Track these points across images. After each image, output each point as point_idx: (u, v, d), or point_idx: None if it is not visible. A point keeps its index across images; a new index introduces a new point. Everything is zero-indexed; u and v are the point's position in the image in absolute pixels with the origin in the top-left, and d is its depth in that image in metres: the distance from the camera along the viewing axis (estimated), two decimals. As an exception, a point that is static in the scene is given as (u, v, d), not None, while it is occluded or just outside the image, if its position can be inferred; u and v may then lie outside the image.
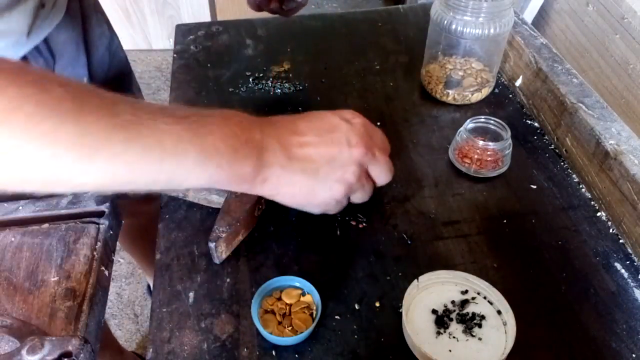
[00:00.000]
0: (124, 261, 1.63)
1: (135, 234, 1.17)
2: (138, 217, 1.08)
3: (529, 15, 1.77)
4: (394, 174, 0.58)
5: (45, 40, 0.72)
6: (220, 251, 0.56)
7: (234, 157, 0.46)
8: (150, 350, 0.50)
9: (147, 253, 1.23)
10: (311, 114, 0.55)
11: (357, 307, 0.54)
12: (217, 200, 0.61)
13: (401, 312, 0.52)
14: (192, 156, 0.44)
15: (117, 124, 0.40)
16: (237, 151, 0.46)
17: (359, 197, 0.57)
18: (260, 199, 0.60)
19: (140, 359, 1.35)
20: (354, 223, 0.62)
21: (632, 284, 0.56)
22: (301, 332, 0.50)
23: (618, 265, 0.58)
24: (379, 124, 0.76)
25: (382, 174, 0.57)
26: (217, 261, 0.57)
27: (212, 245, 0.55)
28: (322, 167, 0.51)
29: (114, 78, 0.89)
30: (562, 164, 0.70)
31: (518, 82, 0.80)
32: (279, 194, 0.51)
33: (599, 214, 0.63)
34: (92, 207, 0.60)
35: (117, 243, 0.64)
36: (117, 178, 0.41)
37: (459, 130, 0.68)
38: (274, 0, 0.76)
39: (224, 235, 0.56)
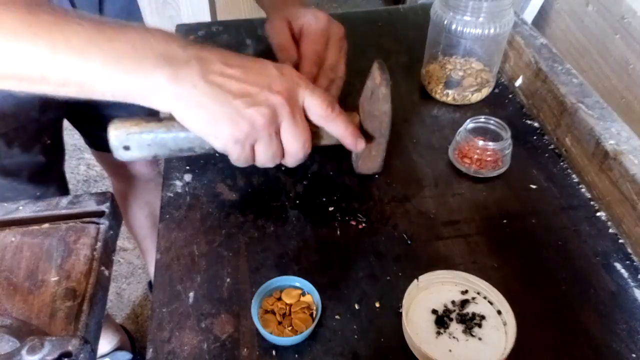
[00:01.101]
0: (123, 261, 1.63)
1: (120, 199, 1.18)
2: (121, 181, 1.09)
3: (529, 15, 1.77)
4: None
5: None
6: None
7: (142, 64, 0.46)
8: (150, 350, 0.50)
9: (135, 219, 1.23)
10: (251, 58, 0.53)
11: (357, 307, 0.54)
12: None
13: (401, 312, 0.52)
14: (99, 58, 0.45)
15: (32, 22, 0.43)
16: (147, 59, 0.46)
17: (262, 152, 0.53)
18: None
19: (125, 331, 1.36)
20: (354, 223, 0.62)
21: (632, 283, 0.56)
22: (301, 332, 0.50)
23: (618, 265, 0.58)
24: (379, 124, 0.76)
25: (293, 140, 0.53)
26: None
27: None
28: (234, 99, 0.49)
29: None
30: (562, 164, 0.70)
31: (518, 82, 0.80)
32: (185, 114, 0.50)
33: (598, 214, 0.63)
34: (92, 207, 0.60)
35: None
36: (30, 72, 0.45)
37: (458, 130, 0.68)
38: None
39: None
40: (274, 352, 0.50)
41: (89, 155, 1.88)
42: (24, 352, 0.43)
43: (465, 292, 0.54)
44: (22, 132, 0.79)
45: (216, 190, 0.66)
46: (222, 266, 0.58)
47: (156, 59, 0.46)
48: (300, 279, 0.54)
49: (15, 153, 0.80)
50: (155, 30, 0.48)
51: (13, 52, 0.44)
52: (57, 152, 0.91)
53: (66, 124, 0.95)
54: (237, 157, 0.53)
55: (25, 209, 0.60)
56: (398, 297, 0.53)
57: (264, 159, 0.54)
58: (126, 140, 0.54)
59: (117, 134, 0.54)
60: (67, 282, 0.53)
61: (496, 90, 0.82)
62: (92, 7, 0.81)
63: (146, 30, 0.48)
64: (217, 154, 0.61)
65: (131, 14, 0.92)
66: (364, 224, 0.62)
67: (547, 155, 0.71)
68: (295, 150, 0.54)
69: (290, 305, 0.53)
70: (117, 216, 0.62)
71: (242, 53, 0.89)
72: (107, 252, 0.58)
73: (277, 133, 0.52)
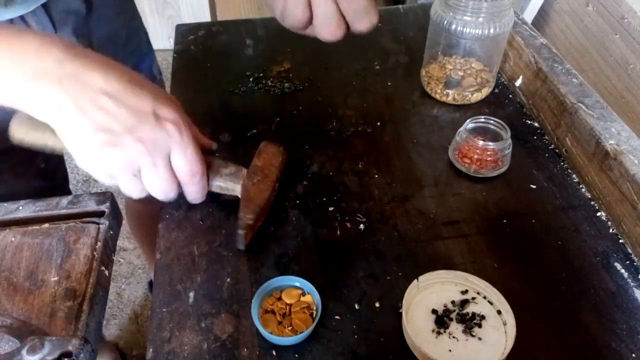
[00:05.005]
0: (124, 261, 1.63)
1: (137, 214, 1.18)
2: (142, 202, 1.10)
3: (529, 15, 1.77)
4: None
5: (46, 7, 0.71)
6: (247, 239, 0.58)
7: (12, 78, 0.44)
8: (150, 350, 0.50)
9: (150, 235, 1.23)
10: (140, 83, 0.49)
11: (357, 307, 0.54)
12: (231, 187, 0.59)
13: (401, 312, 0.52)
14: None
15: None
16: (17, 74, 0.44)
17: (150, 181, 0.50)
18: (275, 184, 0.61)
19: (117, 349, 1.36)
20: (354, 223, 0.62)
21: (632, 284, 0.56)
22: (301, 332, 0.50)
23: (618, 265, 0.58)
24: (379, 124, 0.76)
25: (153, 187, 0.51)
26: (242, 247, 0.58)
27: (241, 233, 0.57)
28: (94, 133, 0.46)
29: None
30: (562, 164, 0.70)
31: (518, 82, 0.80)
32: (58, 132, 0.47)
33: (598, 214, 0.64)
34: (92, 207, 0.60)
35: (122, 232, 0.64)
36: None
37: (458, 130, 0.68)
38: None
39: (251, 222, 0.57)
40: (274, 352, 0.50)
41: (89, 155, 1.88)
42: (24, 352, 0.43)
43: (465, 292, 0.54)
44: (9, 156, 0.74)
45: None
46: (222, 266, 0.58)
47: (24, 75, 0.44)
48: (300, 279, 0.54)
49: (6, 179, 0.77)
50: (44, 38, 0.45)
51: None
52: (58, 175, 0.88)
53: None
54: (119, 183, 0.51)
55: (25, 209, 0.60)
56: (398, 297, 0.53)
57: (154, 185, 0.51)
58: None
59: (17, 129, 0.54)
60: (67, 282, 0.53)
61: (496, 90, 0.82)
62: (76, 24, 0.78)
63: (35, 38, 0.45)
64: None
65: (128, 21, 0.90)
66: (364, 224, 0.62)
67: (547, 155, 0.71)
68: (156, 193, 0.52)
69: (291, 305, 0.53)
70: (117, 216, 0.62)
71: (241, 52, 0.90)
72: (107, 252, 0.58)
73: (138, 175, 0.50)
